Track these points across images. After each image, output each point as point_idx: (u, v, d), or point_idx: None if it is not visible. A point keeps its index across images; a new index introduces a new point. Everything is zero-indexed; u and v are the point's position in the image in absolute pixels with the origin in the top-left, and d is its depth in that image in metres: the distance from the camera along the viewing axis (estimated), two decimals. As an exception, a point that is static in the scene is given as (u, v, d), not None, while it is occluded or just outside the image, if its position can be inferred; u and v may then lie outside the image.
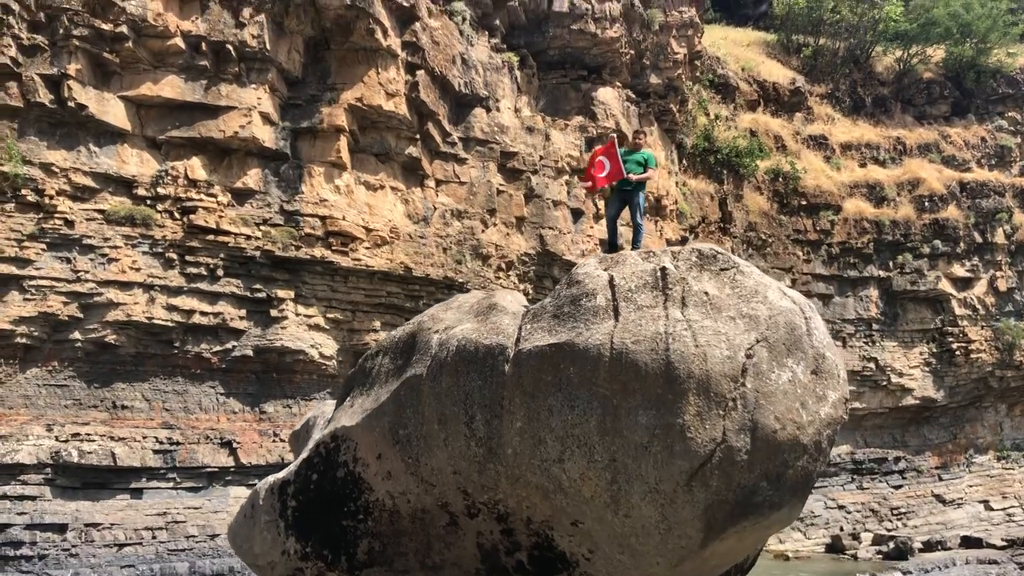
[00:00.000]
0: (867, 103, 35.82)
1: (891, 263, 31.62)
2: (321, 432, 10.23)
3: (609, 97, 23.38)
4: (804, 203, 30.36)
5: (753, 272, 8.35)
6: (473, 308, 9.44)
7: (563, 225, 21.94)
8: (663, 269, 8.24)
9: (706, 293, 8.05)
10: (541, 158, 21.73)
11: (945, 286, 32.07)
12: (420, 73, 18.91)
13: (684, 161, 27.72)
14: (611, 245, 10.05)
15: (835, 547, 27.66)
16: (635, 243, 10.01)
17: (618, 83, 23.89)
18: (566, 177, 22.33)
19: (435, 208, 19.76)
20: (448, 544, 8.92)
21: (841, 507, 30.02)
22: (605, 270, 8.42)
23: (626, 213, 10.64)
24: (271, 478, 10.46)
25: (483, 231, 20.14)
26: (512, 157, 21.17)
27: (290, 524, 9.77)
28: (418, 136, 19.24)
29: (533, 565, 8.49)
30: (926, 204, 32.58)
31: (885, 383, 31.45)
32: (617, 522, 7.77)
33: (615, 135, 11.02)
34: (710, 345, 7.61)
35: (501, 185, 20.83)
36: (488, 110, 21.02)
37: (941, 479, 33.33)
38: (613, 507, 7.71)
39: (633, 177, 9.89)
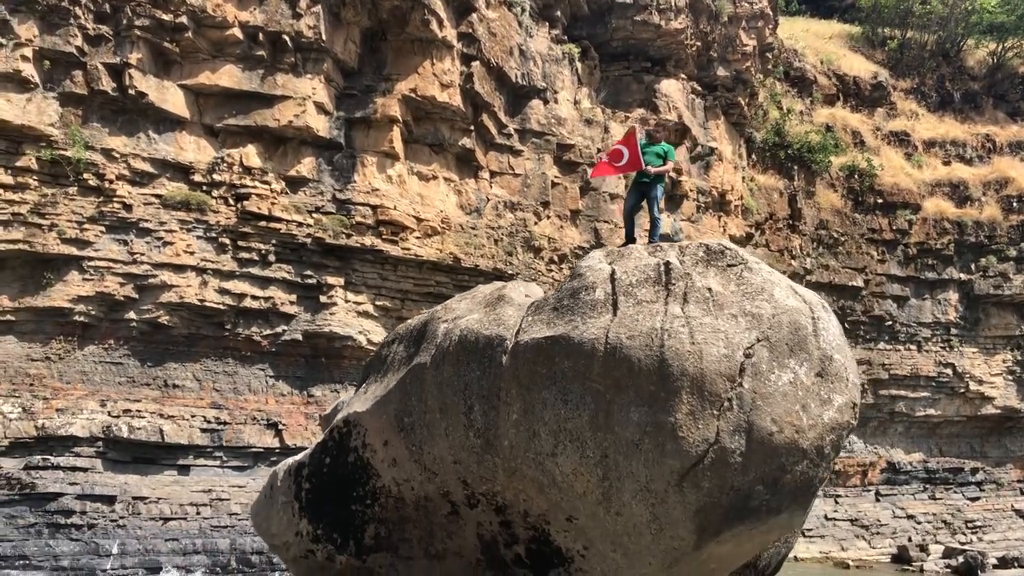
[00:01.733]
0: (955, 99, 34.32)
1: (973, 265, 30.27)
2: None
3: (672, 89, 23.00)
4: (880, 201, 29.30)
5: (762, 269, 8.10)
6: (484, 299, 9.44)
7: (619, 219, 21.66)
8: (667, 264, 8.06)
9: (709, 289, 7.85)
10: (599, 151, 21.51)
11: (1033, 291, 30.52)
12: (475, 64, 18.94)
13: (753, 156, 27.06)
14: (628, 238, 9.87)
15: (901, 558, 26.74)
16: (652, 237, 9.82)
17: (683, 75, 23.48)
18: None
19: (488, 199, 19.79)
20: (450, 533, 8.94)
21: (910, 517, 28.95)
22: (609, 263, 8.30)
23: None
24: (289, 460, 10.67)
25: (536, 223, 20.09)
26: (568, 149, 21.03)
27: (303, 506, 9.94)
28: (472, 127, 19.28)
29: (531, 559, 8.44)
30: (1015, 204, 31.06)
31: (963, 390, 30.15)
32: (609, 520, 7.66)
33: (636, 125, 10.80)
34: (707, 343, 7.42)
35: (556, 177, 20.72)
36: (546, 102, 20.92)
37: (1023, 493, 31.82)
38: (605, 504, 7.60)
39: (652, 169, 9.68)
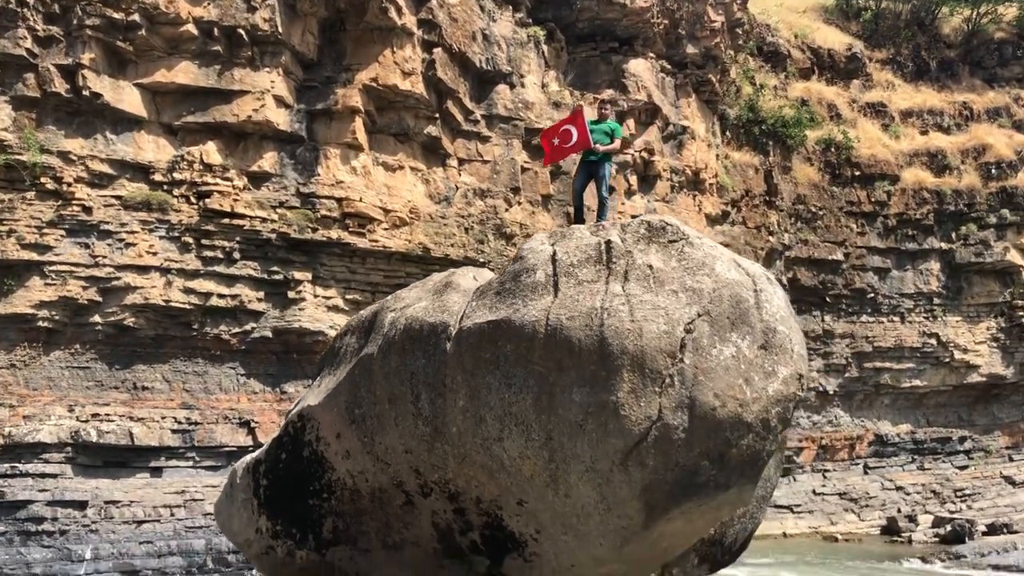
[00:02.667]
0: (931, 67, 34.21)
1: (954, 234, 30.23)
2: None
3: (641, 69, 22.84)
4: (858, 174, 29.21)
5: (704, 244, 8.00)
6: (433, 286, 9.33)
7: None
8: (608, 243, 7.96)
9: (650, 267, 7.74)
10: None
11: (1014, 257, 30.50)
12: (437, 51, 18.77)
13: (727, 133, 26.93)
14: (577, 218, 9.76)
15: (890, 529, 26.76)
16: (600, 216, 9.72)
17: (651, 54, 23.32)
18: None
19: (457, 188, 19.65)
20: (406, 523, 8.86)
21: (899, 488, 28.98)
22: (551, 245, 8.19)
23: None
24: (248, 457, 10.58)
25: (507, 210, 19.96)
26: (537, 134, 20.78)
27: (262, 503, 9.87)
28: (437, 115, 19.12)
29: (486, 545, 8.37)
30: (993, 172, 31.00)
31: (948, 360, 30.15)
32: (558, 502, 7.58)
33: (581, 104, 10.68)
34: (647, 320, 7.32)
35: (526, 162, 20.58)
36: (512, 86, 20.76)
37: (1012, 460, 31.88)
38: (553, 486, 7.52)
39: (600, 148, 9.57)
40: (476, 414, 7.72)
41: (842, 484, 28.18)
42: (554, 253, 7.98)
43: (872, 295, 29.16)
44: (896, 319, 29.78)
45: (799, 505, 26.90)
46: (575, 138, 9.51)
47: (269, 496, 9.79)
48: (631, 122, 22.57)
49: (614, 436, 7.21)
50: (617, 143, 9.82)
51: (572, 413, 7.31)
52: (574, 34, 22.77)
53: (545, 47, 21.86)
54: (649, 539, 7.69)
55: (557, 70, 22.37)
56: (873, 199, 29.30)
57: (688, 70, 24.43)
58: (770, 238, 26.34)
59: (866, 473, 29.22)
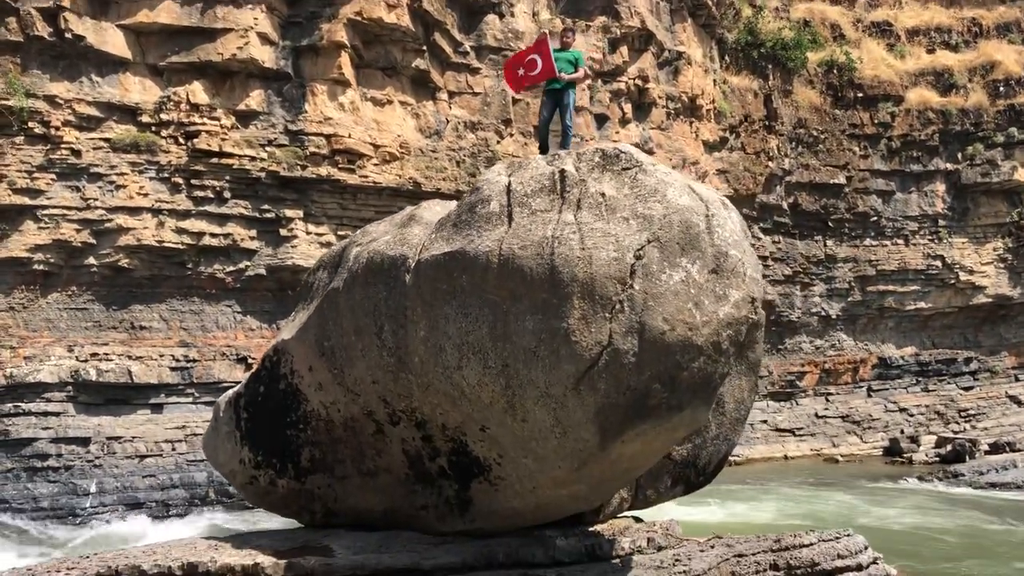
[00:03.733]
0: (940, -17, 33.30)
1: (960, 155, 29.84)
2: (273, 346, 10.50)
3: (634, -6, 22.45)
4: (861, 95, 28.77)
5: (657, 171, 8.04)
6: (399, 220, 9.45)
7: (585, 132, 21.47)
8: (562, 172, 8.02)
9: (603, 194, 7.81)
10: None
11: (1022, 176, 30.10)
12: (423, -18, 18.53)
13: (726, 58, 26.54)
14: (542, 149, 9.79)
15: (892, 450, 27.09)
16: (564, 144, 9.73)
17: (648, -22, 22.90)
18: (588, 81, 21.69)
19: (448, 121, 19.60)
20: (378, 451, 9.13)
21: (903, 410, 29.21)
22: (508, 176, 8.25)
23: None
24: (230, 391, 10.87)
25: (498, 142, 19.92)
26: (529, 64, 20.64)
27: (244, 434, 10.16)
28: (425, 48, 18.98)
29: (453, 470, 8.63)
30: (1001, 89, 30.43)
31: (953, 281, 30.08)
32: (516, 427, 7.79)
33: (547, 32, 10.58)
34: (597, 248, 7.43)
35: (519, 95, 20.41)
36: (501, 16, 20.52)
37: (1018, 379, 32.00)
38: (511, 412, 7.72)
39: (565, 76, 9.54)
40: (436, 344, 7.91)
41: (844, 407, 28.45)
42: (509, 184, 8.05)
43: (875, 218, 28.99)
44: (900, 242, 29.63)
45: (801, 429, 27.24)
46: (540, 67, 9.48)
47: (250, 428, 10.08)
48: (624, 49, 22.29)
49: (566, 362, 7.38)
50: (581, 71, 9.78)
51: (526, 340, 7.47)
52: (566, -40, 22.37)
53: (535, -26, 21.51)
54: (607, 460, 7.92)
55: (548, -2, 22.05)
56: (876, 121, 28.90)
57: (684, -7, 23.99)
58: (770, 163, 26.14)
59: (869, 396, 29.45)
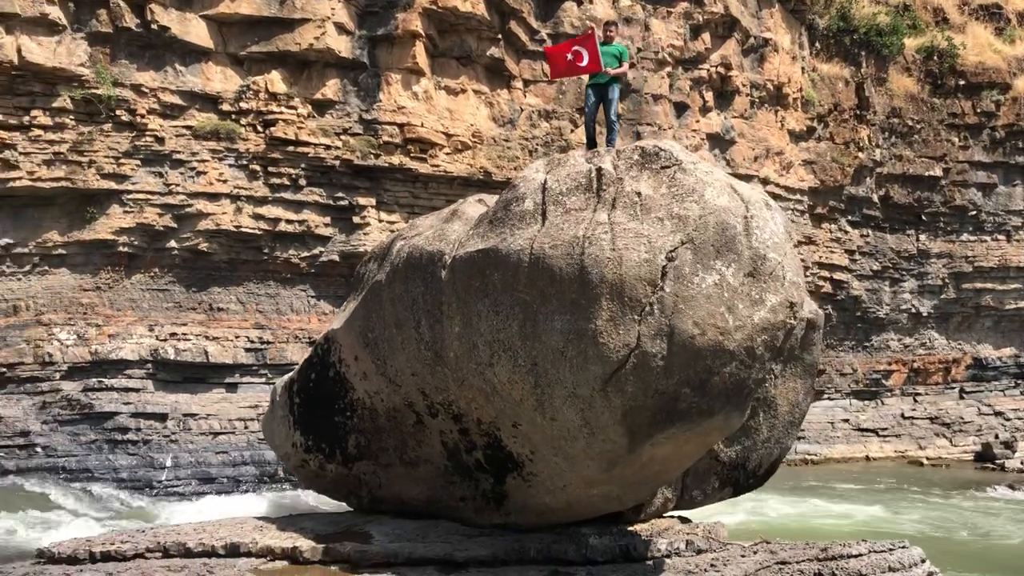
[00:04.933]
0: (1057, -38, 31.36)
1: (1070, 146, 28.12)
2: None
3: (718, -21, 21.94)
4: (963, 83, 27.38)
5: (697, 170, 7.88)
6: (444, 215, 9.56)
7: (663, 120, 21.15)
8: (599, 170, 7.95)
9: (638, 194, 7.72)
10: (639, 50, 20.89)
11: None
12: (499, -30, 18.53)
13: (816, 44, 25.66)
14: (588, 143, 9.71)
15: (984, 456, 25.93)
16: (609, 139, 9.63)
17: (731, -37, 22.32)
18: (668, 69, 21.38)
19: (522, 110, 19.59)
20: (419, 441, 9.29)
21: (998, 414, 27.88)
22: (547, 173, 8.23)
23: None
24: (286, 376, 11.21)
25: (572, 131, 19.80)
26: (607, 52, 20.44)
27: (296, 419, 10.48)
28: (500, 36, 18.99)
29: (488, 464, 8.72)
30: (1121, 75, 28.48)
31: (1060, 279, 28.45)
32: (546, 425, 7.81)
33: (593, 27, 10.41)
34: (628, 248, 7.35)
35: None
36: (580, 3, 20.33)
37: None
38: (540, 410, 7.75)
39: (610, 71, 9.43)
40: (469, 340, 7.98)
41: (934, 408, 27.34)
42: (545, 181, 8.03)
43: (974, 212, 27.65)
44: (1002, 237, 28.20)
45: (885, 429, 26.32)
46: (586, 60, 9.40)
47: (302, 413, 10.38)
48: (707, 35, 21.83)
49: (593, 363, 7.34)
50: (625, 66, 9.66)
51: (554, 340, 7.47)
52: (650, -55, 21.99)
53: (616, -40, 21.24)
54: (637, 462, 7.86)
55: (630, -17, 21.73)
56: (979, 110, 27.49)
57: (772, -22, 23.31)
58: (859, 154, 25.21)
59: (962, 398, 28.23)
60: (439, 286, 8.22)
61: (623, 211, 7.64)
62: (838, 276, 25.32)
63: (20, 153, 15.57)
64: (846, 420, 26.10)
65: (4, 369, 15.35)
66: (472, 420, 8.59)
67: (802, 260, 24.05)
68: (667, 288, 7.28)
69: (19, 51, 15.34)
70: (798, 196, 23.95)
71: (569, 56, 9.42)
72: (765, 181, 22.94)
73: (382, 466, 9.80)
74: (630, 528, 9.36)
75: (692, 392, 7.38)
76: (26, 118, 15.62)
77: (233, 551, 8.61)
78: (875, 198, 26.01)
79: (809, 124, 24.42)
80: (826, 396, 25.87)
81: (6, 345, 15.43)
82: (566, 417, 7.62)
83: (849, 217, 25.83)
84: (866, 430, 26.26)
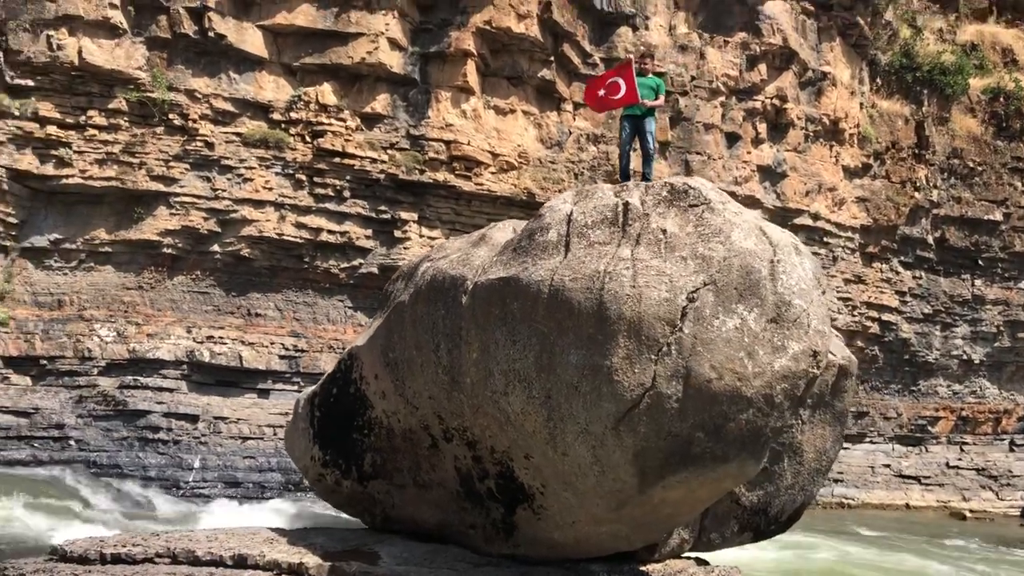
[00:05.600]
0: None
1: None
2: (353, 350, 10.75)
3: (778, 10, 21.66)
4: (1029, 126, 26.64)
5: (726, 210, 7.72)
6: (472, 239, 9.51)
7: (714, 150, 20.91)
8: (626, 204, 7.84)
9: (663, 231, 7.59)
10: (693, 78, 20.72)
11: None
12: (554, -7, 18.54)
13: (877, 80, 25.18)
14: (623, 175, 9.59)
15: (1032, 512, 25.01)
16: (645, 172, 9.49)
17: (793, -5, 22.07)
18: (722, 98, 21.15)
19: (570, 132, 19.53)
20: (432, 465, 9.23)
21: (1051, 468, 26.88)
22: (574, 204, 8.14)
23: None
24: (308, 389, 11.24)
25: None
26: (661, 77, 20.26)
27: (316, 433, 10.49)
28: (552, 58, 18.98)
29: (500, 493, 8.61)
30: None
31: (1117, 333, 27.38)
32: (557, 459, 7.70)
33: (631, 57, 10.22)
34: (648, 286, 7.22)
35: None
36: (635, 28, 20.26)
37: None
38: (552, 444, 7.64)
39: (647, 103, 9.33)
40: (486, 367, 7.90)
41: (981, 459, 26.47)
42: (571, 213, 7.94)
43: (1035, 259, 26.80)
44: (1064, 289, 27.26)
45: (928, 477, 25.55)
46: (623, 91, 9.30)
47: (321, 427, 10.39)
48: (763, 67, 21.56)
49: (607, 400, 7.21)
50: (661, 99, 9.55)
51: (569, 374, 7.36)
52: (710, -27, 21.85)
53: (675, -13, 21.13)
54: (648, 504, 7.69)
55: (688, 11, 21.59)
56: (1045, 155, 26.70)
57: (834, 12, 22.94)
58: (916, 194, 24.63)
59: (1012, 450, 27.28)
60: (459, 311, 8.17)
61: (647, 248, 7.51)
62: (887, 317, 24.72)
63: (75, 151, 15.97)
64: (887, 465, 25.42)
65: (45, 362, 15.70)
66: (486, 448, 8.50)
67: (849, 299, 23.59)
68: (686, 329, 7.13)
69: (80, 52, 15.76)
70: (849, 233, 23.48)
71: (602, 92, 9.34)
72: (816, 216, 22.54)
73: (396, 486, 9.75)
74: (643, 567, 9.19)
75: (706, 437, 7.20)
76: (82, 118, 16.03)
77: (240, 563, 8.62)
78: (930, 240, 25.37)
79: (865, 161, 23.94)
80: (867, 439, 25.25)
81: (48, 338, 15.77)
82: (577, 453, 7.49)
83: (902, 258, 25.23)
84: (908, 477, 25.54)
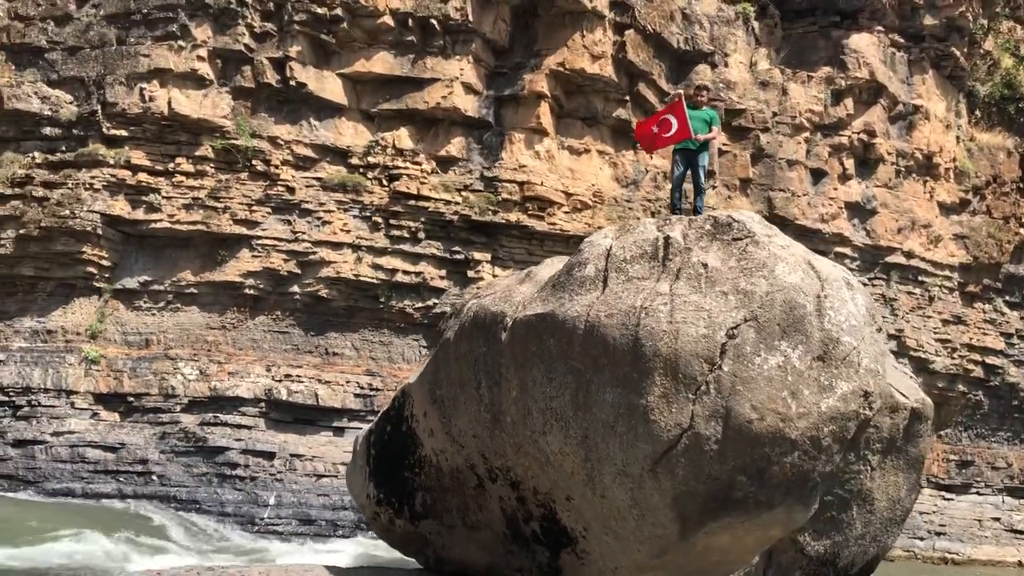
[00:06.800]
0: None
1: None
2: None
3: (864, 44, 21.06)
4: None
5: (771, 244, 7.44)
6: (520, 275, 9.45)
7: (798, 187, 20.34)
8: (667, 239, 7.66)
9: (704, 265, 7.36)
10: (775, 114, 20.29)
11: None
12: (629, 33, 18.51)
13: (977, 112, 24.12)
14: (673, 208, 9.39)
15: None
16: (696, 206, 9.27)
17: (880, 28, 21.40)
18: (806, 134, 20.62)
19: (646, 171, 19.34)
20: (480, 505, 9.11)
21: None
22: (614, 239, 7.99)
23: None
24: (367, 427, 11.30)
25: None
26: (740, 115, 19.99)
27: (372, 471, 10.50)
28: (628, 98, 18.90)
29: (544, 536, 8.44)
30: None
31: None
32: (596, 502, 7.49)
33: (680, 94, 10.00)
34: (686, 322, 6.99)
35: (725, 145, 19.78)
36: (714, 66, 20.01)
37: None
38: (591, 485, 7.44)
39: (700, 137, 9.13)
40: (525, 406, 7.78)
41: (1100, 513, 24.54)
42: (610, 248, 7.79)
43: None
44: None
45: (1022, 533, 23.81)
46: (675, 128, 9.15)
47: (376, 465, 10.40)
48: (849, 101, 20.95)
49: (643, 441, 6.97)
50: (715, 131, 9.34)
51: (605, 413, 7.16)
52: (791, 9, 21.44)
53: (755, 23, 20.80)
54: (692, 551, 7.37)
55: (769, 47, 21.23)
56: None
57: (925, 44, 22.15)
58: (1021, 230, 23.33)
59: None
60: (499, 348, 8.08)
61: (686, 283, 7.28)
62: (991, 360, 23.35)
63: (163, 197, 16.70)
64: (997, 519, 23.81)
65: (132, 399, 16.30)
66: (529, 489, 8.34)
67: (948, 341, 22.40)
68: (725, 367, 6.85)
69: (169, 103, 16.55)
70: (947, 272, 22.38)
71: (655, 128, 9.21)
72: (909, 255, 21.61)
73: (446, 527, 9.64)
74: (696, 619, 8.78)
75: (749, 481, 6.87)
76: (171, 165, 16.77)
77: (284, 599, 8.66)
78: (1039, 278, 23.96)
79: (963, 196, 22.86)
80: (974, 490, 23.75)
81: (136, 376, 16.39)
82: (615, 496, 7.25)
83: (1007, 297, 23.85)
84: (1020, 532, 23.85)
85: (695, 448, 6.83)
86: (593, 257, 7.78)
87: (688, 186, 10.06)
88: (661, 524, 7.13)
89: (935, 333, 22.14)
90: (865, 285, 21.33)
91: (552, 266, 9.24)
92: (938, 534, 22.60)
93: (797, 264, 7.26)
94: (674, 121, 9.18)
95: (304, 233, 17.19)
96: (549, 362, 7.55)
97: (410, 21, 17.39)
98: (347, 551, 14.24)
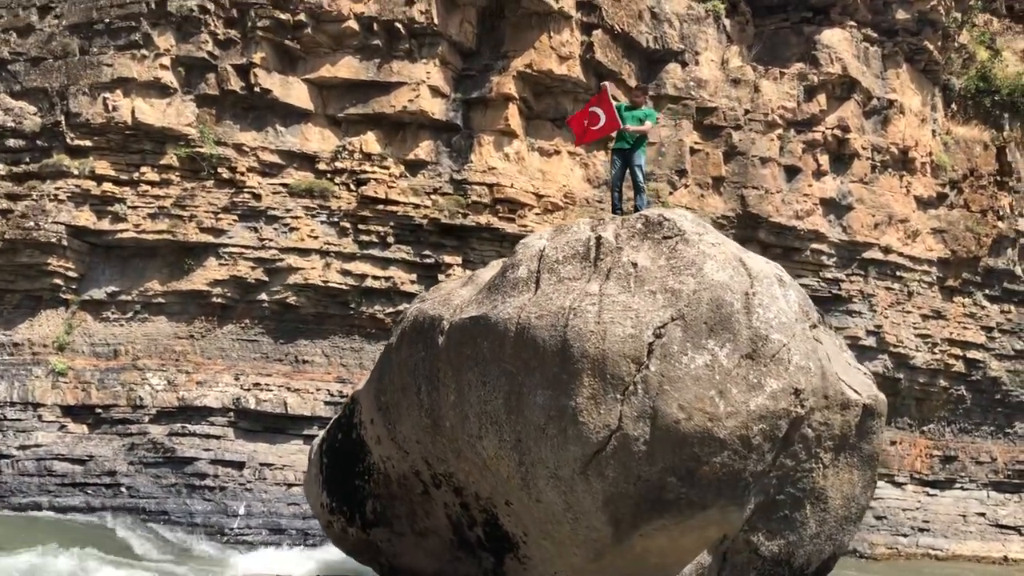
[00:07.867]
0: None
1: None
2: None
3: (836, 39, 20.92)
4: (1125, 149, 24.87)
5: (701, 241, 7.37)
6: (465, 278, 9.37)
7: (771, 184, 20.20)
8: (599, 239, 7.60)
9: (634, 265, 7.29)
10: (747, 112, 20.16)
11: None
12: (597, 33, 18.38)
13: (952, 105, 24.00)
14: (613, 209, 9.28)
15: None
16: (637, 206, 9.16)
17: (852, 23, 21.29)
18: (779, 131, 20.49)
19: (618, 171, 19.22)
20: (427, 512, 9.02)
21: None
22: (549, 240, 7.91)
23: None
24: (320, 434, 11.21)
25: (670, 193, 19.23)
26: (711, 113, 19.85)
27: (324, 479, 10.41)
28: (597, 98, 18.79)
29: (488, 541, 8.36)
30: None
31: None
32: (533, 506, 7.42)
33: (607, 83, 9.77)
34: (614, 322, 6.92)
35: (696, 143, 19.65)
36: (684, 64, 19.88)
37: None
38: (526, 490, 7.38)
39: (631, 128, 9.00)
40: (462, 410, 7.71)
41: (1093, 509, 24.41)
42: (543, 249, 7.72)
43: None
44: None
45: (1034, 529, 23.68)
46: (603, 120, 9.06)
47: (329, 473, 10.31)
48: (822, 97, 20.82)
49: (573, 443, 6.90)
50: (648, 125, 9.21)
51: (536, 416, 7.10)
52: (762, 6, 21.27)
53: (726, 21, 20.69)
54: (630, 553, 7.30)
55: (741, 45, 21.10)
56: None
57: (899, 38, 22.03)
58: (999, 223, 23.19)
59: (1124, 496, 25.08)
60: (437, 352, 8.02)
61: (616, 282, 7.21)
62: (972, 355, 23.20)
63: (129, 207, 16.54)
64: (982, 514, 23.65)
65: (100, 410, 16.13)
66: (471, 494, 8.26)
67: (929, 336, 22.27)
68: (653, 367, 6.77)
69: (133, 112, 16.41)
70: (925, 267, 22.24)
71: (586, 122, 9.11)
72: (887, 250, 21.47)
73: (396, 534, 9.55)
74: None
75: (679, 482, 6.79)
76: (136, 174, 16.62)
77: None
78: (1018, 271, 23.80)
79: (940, 190, 22.71)
80: (957, 485, 23.59)
81: (104, 387, 16.25)
82: (550, 499, 7.18)
83: (987, 291, 23.70)
84: (1006, 527, 23.69)
85: (624, 449, 6.75)
86: (526, 259, 7.71)
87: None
88: (595, 527, 7.05)
89: (915, 328, 22.02)
90: (843, 282, 21.25)
91: (495, 268, 9.17)
92: (921, 530, 22.43)
93: (727, 262, 7.19)
94: (602, 114, 9.09)
95: (271, 240, 17.04)
96: (483, 365, 7.48)
97: (375, 25, 17.24)
98: (319, 559, 14.11)
